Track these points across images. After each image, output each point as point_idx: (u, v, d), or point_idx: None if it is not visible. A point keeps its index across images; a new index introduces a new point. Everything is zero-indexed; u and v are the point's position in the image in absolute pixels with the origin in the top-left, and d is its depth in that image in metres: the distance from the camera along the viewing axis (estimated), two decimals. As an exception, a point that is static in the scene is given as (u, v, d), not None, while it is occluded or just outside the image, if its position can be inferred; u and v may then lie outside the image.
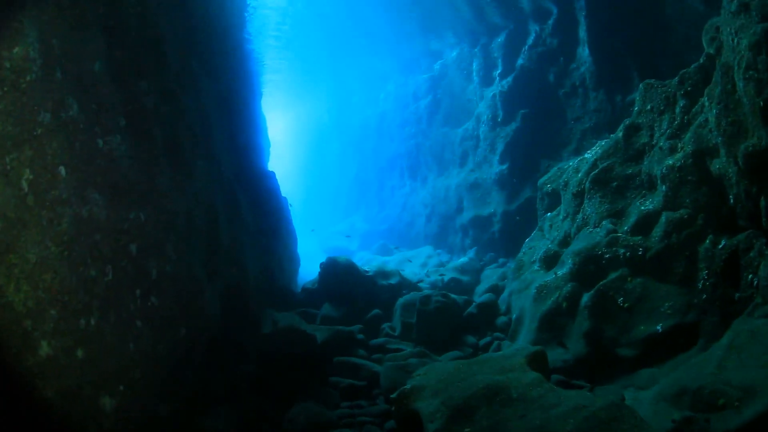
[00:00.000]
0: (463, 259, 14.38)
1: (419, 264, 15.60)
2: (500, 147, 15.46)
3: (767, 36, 6.25)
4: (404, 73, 22.44)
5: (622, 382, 7.36)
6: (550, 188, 11.39)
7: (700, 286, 7.25)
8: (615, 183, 8.48)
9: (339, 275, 11.11)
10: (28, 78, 4.46)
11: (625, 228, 7.89)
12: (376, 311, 10.39)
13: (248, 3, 16.02)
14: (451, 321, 9.30)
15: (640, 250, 7.52)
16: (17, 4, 4.52)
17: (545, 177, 11.90)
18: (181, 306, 5.44)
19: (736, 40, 7.25)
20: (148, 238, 5.03)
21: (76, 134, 4.77)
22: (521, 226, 13.67)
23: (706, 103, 7.70)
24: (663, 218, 7.47)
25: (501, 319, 9.53)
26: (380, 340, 9.19)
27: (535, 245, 10.13)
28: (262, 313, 8.64)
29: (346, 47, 21.67)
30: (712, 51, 7.95)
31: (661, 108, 8.31)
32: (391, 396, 5.23)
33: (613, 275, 7.61)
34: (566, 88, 14.18)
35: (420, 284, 12.40)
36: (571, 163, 10.76)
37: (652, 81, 8.62)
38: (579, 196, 9.21)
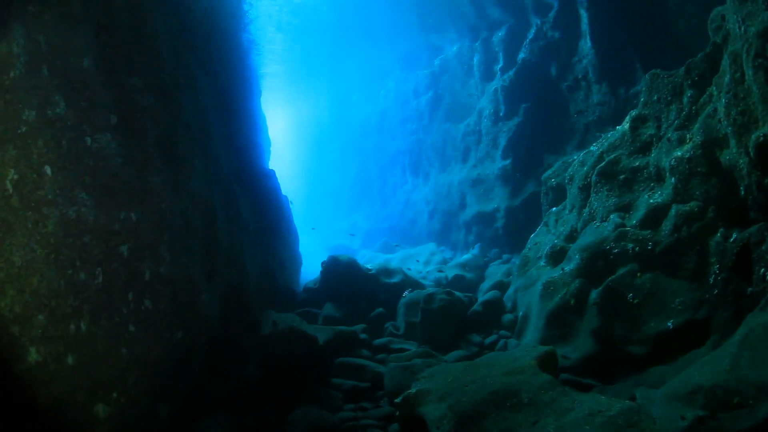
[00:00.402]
0: (467, 256, 14.19)
1: (422, 261, 15.41)
2: (503, 142, 15.26)
3: (776, 23, 6.03)
4: (404, 69, 22.23)
5: (633, 380, 7.18)
6: (554, 182, 11.18)
7: (712, 280, 7.06)
8: (622, 176, 8.26)
9: (341, 274, 10.92)
10: (11, 75, 4.29)
11: (634, 222, 7.67)
12: (379, 310, 10.20)
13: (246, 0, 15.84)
14: (455, 319, 9.11)
15: (649, 245, 7.31)
16: (2, 2, 4.36)
17: (549, 171, 11.70)
18: (177, 309, 5.27)
19: (743, 28, 7.06)
20: (141, 239, 4.86)
21: (63, 132, 4.60)
22: (525, 222, 13.49)
23: (715, 93, 7.50)
24: (673, 211, 7.26)
25: (507, 317, 9.33)
26: (384, 339, 9.00)
27: (541, 241, 9.92)
28: (262, 314, 8.46)
29: (345, 44, 21.48)
30: (718, 40, 7.76)
31: (668, 98, 8.09)
32: (396, 401, 5.04)
33: (621, 271, 7.40)
34: (569, 82, 13.98)
35: (423, 282, 12.20)
36: (575, 157, 10.55)
37: (658, 71, 8.40)
38: (585, 189, 8.99)
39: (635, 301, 7.22)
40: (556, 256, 8.84)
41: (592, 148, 9.58)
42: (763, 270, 6.61)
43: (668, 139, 7.72)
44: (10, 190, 3.96)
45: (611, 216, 8.02)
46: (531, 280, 9.05)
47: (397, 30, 19.29)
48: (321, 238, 25.33)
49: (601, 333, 7.21)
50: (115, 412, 4.76)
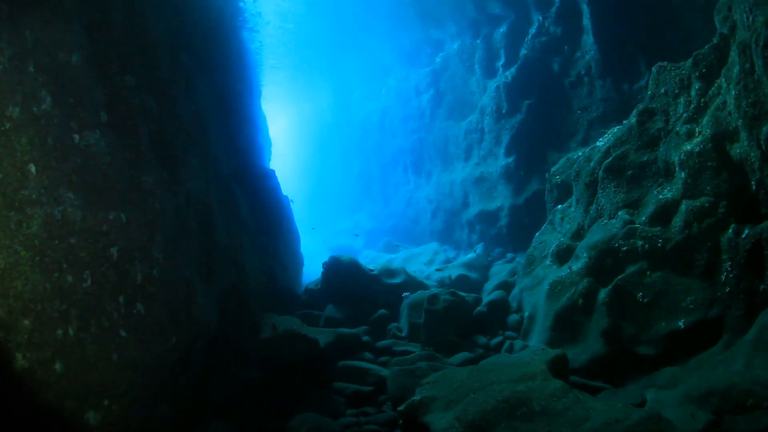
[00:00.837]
0: (471, 255, 13.98)
1: (425, 261, 15.19)
2: (506, 139, 15.03)
3: (787, 12, 5.84)
4: (405, 67, 22.03)
5: (643, 381, 6.99)
6: (559, 179, 10.96)
7: (723, 278, 6.87)
8: (630, 171, 8.03)
9: (342, 275, 10.72)
10: (-6, 69, 4.12)
11: (643, 218, 7.45)
12: (381, 311, 9.99)
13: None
14: (460, 320, 8.90)
15: (659, 242, 7.09)
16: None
17: (554, 168, 11.48)
18: (171, 312, 5.08)
19: (751, 18, 6.88)
20: (132, 241, 4.67)
21: (49, 129, 4.43)
22: (529, 220, 13.29)
23: (724, 85, 7.31)
24: (683, 207, 7.04)
25: (512, 318, 9.11)
26: (387, 342, 8.79)
27: (546, 239, 9.70)
28: (262, 316, 8.27)
29: (345, 40, 21.32)
30: (725, 31, 7.58)
31: (676, 91, 7.87)
32: (399, 408, 4.82)
33: (631, 269, 7.18)
34: (571, 78, 13.76)
35: (427, 282, 11.99)
36: (580, 153, 10.33)
37: (665, 63, 8.19)
38: (592, 186, 8.76)
39: (645, 301, 7.00)
40: (563, 255, 8.61)
41: (598, 143, 9.36)
42: (776, 267, 6.41)
43: (677, 133, 7.51)
44: (-8, 190, 3.78)
45: (619, 213, 7.80)
46: (537, 280, 8.83)
47: (397, 26, 19.12)
48: (323, 238, 25.15)
49: (611, 333, 7.00)
50: (107, 419, 4.59)
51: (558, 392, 4.00)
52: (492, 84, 15.90)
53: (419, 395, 4.44)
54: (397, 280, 11.13)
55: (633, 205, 7.77)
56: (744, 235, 6.68)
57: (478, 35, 16.82)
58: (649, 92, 8.35)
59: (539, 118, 14.47)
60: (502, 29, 15.70)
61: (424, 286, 11.18)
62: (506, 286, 10.65)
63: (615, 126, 10.15)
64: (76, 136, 4.63)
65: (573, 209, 9.40)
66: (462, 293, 9.68)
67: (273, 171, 13.75)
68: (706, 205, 6.90)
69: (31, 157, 4.14)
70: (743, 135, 6.77)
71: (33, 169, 4.14)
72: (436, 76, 19.55)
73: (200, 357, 6.19)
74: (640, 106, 8.37)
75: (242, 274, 8.41)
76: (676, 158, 7.31)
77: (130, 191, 4.88)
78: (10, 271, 3.82)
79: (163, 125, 6.49)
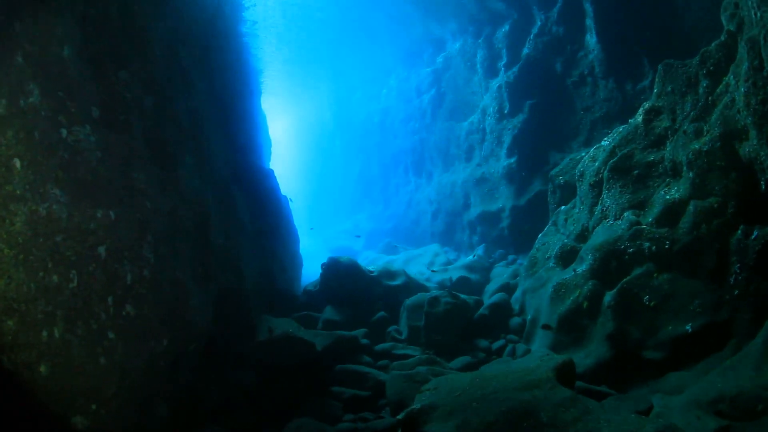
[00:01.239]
0: (472, 257, 13.80)
1: (426, 263, 15.00)
2: (507, 140, 14.86)
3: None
4: (406, 67, 21.87)
5: (649, 387, 6.83)
6: (562, 180, 10.79)
7: (732, 280, 6.69)
8: (636, 171, 7.84)
9: (341, 276, 10.54)
10: (-22, 60, 3.96)
11: (649, 219, 7.26)
12: (381, 314, 9.81)
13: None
14: (461, 323, 8.71)
15: (666, 243, 6.90)
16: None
17: (557, 169, 11.31)
18: (163, 314, 4.90)
19: (759, 14, 6.73)
20: (121, 240, 4.49)
21: (36, 123, 4.26)
22: (531, 222, 13.13)
23: (732, 82, 7.14)
24: (691, 207, 6.85)
25: (515, 320, 8.92)
26: (386, 345, 8.61)
27: (549, 241, 9.51)
28: (258, 319, 8.08)
29: (346, 40, 21.17)
30: (732, 28, 7.42)
31: (683, 89, 7.69)
32: (398, 417, 4.62)
33: (637, 271, 6.99)
34: (574, 78, 13.61)
35: (427, 284, 11.81)
36: (584, 153, 10.16)
37: (672, 61, 8.01)
38: (597, 186, 8.57)
39: (652, 304, 6.82)
40: (567, 257, 8.42)
41: (603, 142, 9.17)
42: (786, 269, 6.25)
43: (684, 132, 7.32)
44: (-27, 186, 3.61)
45: (625, 214, 7.61)
46: (540, 282, 8.64)
47: (398, 26, 18.96)
48: (323, 239, 24.98)
49: (616, 337, 6.81)
50: (95, 424, 4.42)
51: (566, 402, 3.80)
52: (494, 84, 15.74)
53: (419, 403, 4.23)
54: (397, 282, 10.95)
55: (639, 206, 7.58)
56: (753, 237, 6.50)
57: (480, 35, 16.66)
58: (656, 90, 8.17)
59: (541, 119, 14.31)
60: (504, 28, 15.55)
61: (425, 288, 11.00)
62: (508, 288, 10.47)
63: (618, 126, 9.99)
64: (64, 131, 4.46)
65: (577, 210, 9.21)
66: (463, 296, 9.49)
67: (272, 171, 13.57)
68: (715, 205, 6.72)
69: (16, 151, 3.97)
70: (752, 133, 6.59)
71: (18, 164, 3.97)
72: (438, 76, 19.39)
73: (194, 360, 6.01)
74: (647, 105, 8.19)
75: (239, 276, 8.23)
76: (684, 157, 7.13)
77: (120, 189, 4.71)
78: (-8, 270, 3.65)
79: (158, 122, 6.34)
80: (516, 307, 9.29)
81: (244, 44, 16.70)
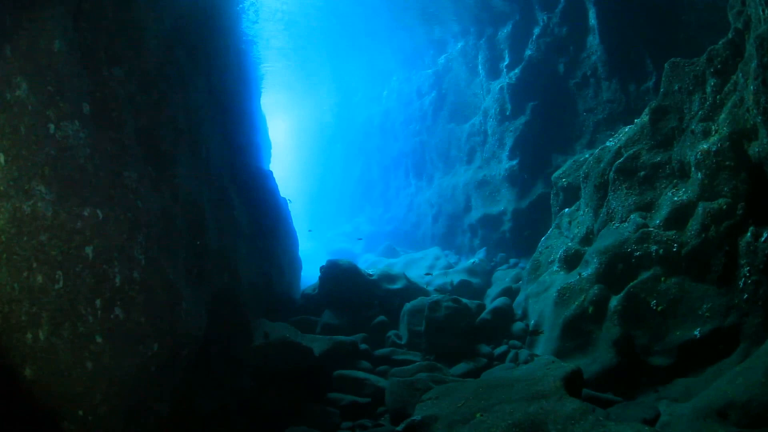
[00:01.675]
0: (473, 261, 13.62)
1: (426, 266, 14.82)
2: (509, 142, 14.70)
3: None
4: (407, 69, 21.74)
5: (656, 393, 6.65)
6: (565, 182, 10.61)
7: (741, 284, 6.53)
8: (642, 172, 7.66)
9: (340, 279, 10.35)
10: (-38, 51, 3.81)
11: (657, 222, 7.07)
12: (380, 318, 9.62)
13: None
14: (462, 328, 8.50)
15: (674, 246, 6.72)
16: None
17: (560, 171, 11.14)
18: (153, 318, 4.72)
19: (766, 12, 6.57)
20: (109, 240, 4.31)
21: (22, 117, 4.10)
22: (533, 225, 12.97)
23: (741, 80, 6.98)
24: (699, 209, 6.67)
25: (517, 325, 8.72)
26: (386, 350, 8.42)
27: (553, 244, 9.32)
28: (253, 323, 7.89)
29: (347, 41, 21.03)
30: (739, 25, 7.29)
31: (690, 88, 7.53)
32: (397, 429, 4.41)
33: (644, 275, 6.80)
34: (577, 79, 13.48)
35: (427, 288, 11.62)
36: (588, 155, 9.99)
37: (678, 59, 7.86)
38: (602, 188, 8.39)
39: (659, 308, 6.63)
40: (571, 260, 8.23)
41: (608, 143, 8.99)
42: (797, 272, 6.08)
43: (692, 132, 7.15)
44: (-48, 181, 3.45)
45: (631, 216, 7.42)
46: (543, 286, 8.45)
47: (399, 28, 18.83)
48: (323, 242, 24.79)
49: (622, 343, 6.63)
50: (82, 431, 4.23)
51: (576, 414, 3.60)
52: (496, 85, 15.60)
53: (419, 414, 4.02)
54: (397, 286, 10.77)
55: (646, 208, 7.40)
56: (763, 239, 6.33)
57: (482, 35, 16.53)
58: (662, 89, 8.01)
59: (544, 120, 14.16)
60: (506, 29, 15.42)
61: (425, 292, 10.82)
62: (510, 292, 10.29)
63: (622, 128, 9.84)
64: (52, 126, 4.29)
65: (581, 213, 9.03)
66: (464, 300, 9.30)
67: (271, 172, 13.40)
68: (724, 207, 6.54)
69: (1, 146, 3.82)
70: (762, 132, 6.42)
71: (2, 159, 3.82)
72: (439, 77, 19.26)
73: (187, 365, 5.82)
74: (653, 104, 8.02)
75: (235, 278, 8.04)
76: (692, 158, 6.95)
77: (109, 187, 4.53)
78: (-29, 270, 3.47)
79: (153, 120, 6.17)
80: (518, 311, 9.10)
81: (244, 44, 16.57)
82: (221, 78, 11.17)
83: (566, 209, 9.88)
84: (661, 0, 11.45)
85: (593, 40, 12.95)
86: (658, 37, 11.46)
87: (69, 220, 3.98)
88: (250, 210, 10.65)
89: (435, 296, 9.38)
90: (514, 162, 14.45)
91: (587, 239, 8.33)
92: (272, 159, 19.59)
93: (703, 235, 6.58)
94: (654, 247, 6.86)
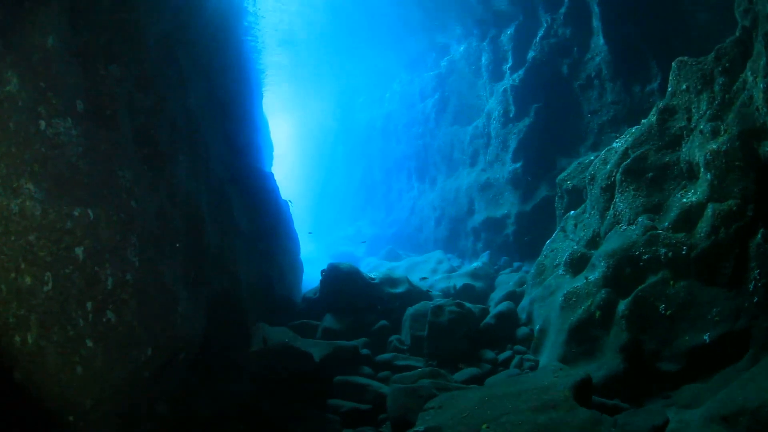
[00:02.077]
0: (476, 264, 13.44)
1: (429, 270, 14.65)
2: (513, 144, 14.55)
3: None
4: (410, 71, 21.64)
5: (664, 400, 6.47)
6: (570, 185, 10.44)
7: (751, 287, 6.38)
8: (650, 173, 7.49)
9: (341, 283, 10.19)
10: (-51, 45, 3.69)
11: (665, 224, 6.89)
12: (382, 322, 9.44)
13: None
14: (466, 333, 8.32)
15: (683, 249, 6.54)
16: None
17: (564, 173, 10.97)
18: (147, 322, 4.58)
19: (775, 8, 6.45)
20: (101, 241, 4.18)
21: (12, 113, 3.97)
22: (537, 228, 12.80)
23: (749, 78, 6.83)
24: (709, 211, 6.50)
25: (522, 330, 8.53)
26: (387, 355, 8.24)
27: (558, 247, 9.14)
28: (252, 327, 7.74)
29: (350, 44, 20.95)
30: (747, 23, 7.16)
31: (698, 87, 7.37)
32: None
33: (652, 279, 6.62)
34: (581, 80, 13.34)
35: (430, 292, 11.45)
36: (593, 157, 9.83)
37: (686, 58, 7.70)
38: (609, 190, 8.21)
39: (668, 313, 6.46)
40: (577, 264, 8.05)
41: (614, 144, 8.81)
42: (809, 275, 5.91)
43: (701, 131, 6.98)
44: (-64, 179, 3.32)
45: (639, 218, 7.25)
46: (549, 291, 8.26)
47: (402, 29, 18.73)
48: (325, 245, 24.64)
49: (630, 349, 6.45)
50: (73, 438, 4.09)
51: (587, 425, 3.42)
52: (499, 87, 15.47)
53: (422, 425, 3.83)
54: (399, 290, 10.61)
55: (654, 210, 7.22)
56: (774, 241, 6.17)
57: (485, 37, 16.42)
58: (670, 89, 7.84)
59: (548, 122, 14.01)
60: (510, 31, 15.30)
61: (428, 296, 10.65)
62: (514, 296, 10.12)
63: (628, 129, 9.67)
64: (43, 123, 4.16)
65: (587, 215, 8.85)
66: (468, 304, 9.13)
67: (272, 174, 13.28)
68: (734, 208, 6.37)
69: (-13, 143, 3.68)
70: (772, 132, 6.28)
71: (-12, 156, 3.68)
72: (442, 80, 19.14)
73: (183, 369, 5.68)
74: (661, 104, 7.86)
75: (234, 281, 7.90)
76: (701, 158, 6.78)
77: (102, 186, 4.40)
78: (-44, 271, 3.34)
79: (150, 119, 6.05)
80: (523, 316, 8.91)
81: (245, 46, 16.49)
82: (222, 79, 11.06)
83: (571, 212, 9.71)
84: (665, 1, 11.31)
85: (597, 42, 12.82)
86: (662, 38, 11.33)
87: (58, 220, 3.85)
88: (250, 212, 10.52)
89: (438, 300, 9.22)
90: (518, 164, 14.30)
91: (593, 242, 8.15)
92: (274, 161, 19.49)
93: (713, 238, 6.40)
94: (663, 250, 6.69)
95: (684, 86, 7.52)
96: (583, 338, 6.87)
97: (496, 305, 9.79)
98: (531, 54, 14.45)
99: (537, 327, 7.98)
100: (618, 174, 7.88)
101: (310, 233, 20.12)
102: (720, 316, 6.44)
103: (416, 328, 8.67)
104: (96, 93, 5.16)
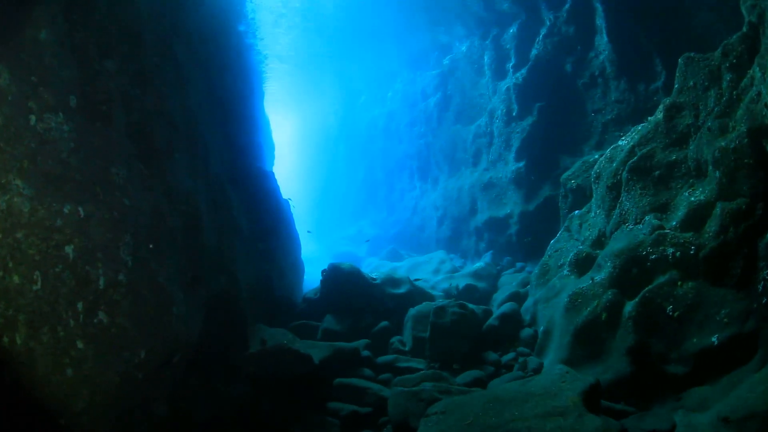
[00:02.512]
0: (479, 264, 13.30)
1: (431, 270, 14.50)
2: (516, 143, 14.40)
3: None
4: (412, 70, 21.49)
5: (670, 403, 6.32)
6: (574, 184, 10.29)
7: (760, 288, 6.21)
8: (657, 172, 7.33)
9: (342, 283, 10.05)
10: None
11: (673, 223, 6.74)
12: (384, 324, 9.29)
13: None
14: (469, 335, 8.16)
15: (691, 249, 6.39)
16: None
17: (569, 172, 10.81)
18: (141, 323, 4.45)
19: (781, 4, 6.32)
20: (92, 239, 4.05)
21: (1, 107, 3.85)
22: (541, 228, 12.65)
23: (758, 75, 6.68)
24: (718, 210, 6.34)
25: (526, 332, 8.37)
26: (389, 357, 8.09)
27: (563, 247, 8.98)
28: (252, 328, 7.60)
29: (352, 44, 20.84)
30: (753, 19, 7.01)
31: (706, 84, 7.21)
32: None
33: (660, 279, 6.46)
34: (585, 79, 13.18)
35: (432, 292, 11.30)
36: (597, 156, 9.67)
37: (692, 54, 7.55)
38: (615, 188, 8.05)
39: (675, 314, 6.30)
40: (582, 264, 7.90)
41: (620, 142, 8.65)
42: (819, 276, 5.76)
43: (708, 129, 6.83)
44: None
45: (646, 217, 7.09)
46: (553, 291, 8.10)
47: (404, 28, 18.62)
48: (326, 245, 24.51)
49: (637, 351, 6.30)
50: (64, 443, 3.97)
51: (598, 433, 3.27)
52: (502, 86, 15.31)
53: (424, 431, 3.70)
54: (401, 290, 10.46)
55: (661, 209, 7.07)
56: (783, 241, 6.02)
57: (488, 36, 16.27)
58: (677, 85, 7.69)
59: (551, 121, 13.85)
60: (512, 29, 15.15)
61: (430, 297, 10.50)
62: (518, 297, 9.96)
63: (632, 127, 9.52)
64: (33, 118, 4.04)
65: (592, 215, 8.69)
66: (471, 305, 8.98)
67: (272, 173, 13.15)
68: (743, 207, 6.21)
69: (-26, 138, 3.57)
70: (782, 129, 6.12)
71: (-25, 151, 3.56)
72: (444, 78, 18.99)
73: (179, 371, 5.55)
74: (667, 101, 7.70)
75: (233, 281, 7.76)
76: (709, 156, 6.63)
77: (94, 183, 4.28)
78: (-61, 270, 3.22)
79: (146, 116, 5.94)
80: (527, 317, 8.76)
81: (246, 45, 16.38)
82: (222, 77, 10.95)
83: (576, 211, 9.55)
84: (669, -1, 11.18)
85: (601, 40, 12.66)
86: (666, 36, 11.17)
87: (48, 217, 3.72)
88: (250, 211, 10.39)
89: (440, 301, 9.07)
90: (521, 164, 14.15)
91: (599, 242, 7.99)
92: (275, 161, 19.38)
93: (722, 237, 6.25)
94: (670, 250, 6.53)
95: (691, 83, 7.37)
96: (588, 340, 6.72)
97: (499, 306, 9.63)
98: (534, 52, 14.31)
99: (541, 328, 7.83)
100: (624, 172, 7.72)
101: (309, 232, 19.96)
102: (728, 317, 6.29)
103: (418, 329, 8.52)
104: (90, 89, 5.04)
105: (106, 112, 5.11)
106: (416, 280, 11.84)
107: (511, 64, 15.13)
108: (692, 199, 6.68)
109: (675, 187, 7.09)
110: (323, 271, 10.56)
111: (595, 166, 8.92)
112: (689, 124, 7.27)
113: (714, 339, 6.24)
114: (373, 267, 16.59)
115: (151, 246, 4.90)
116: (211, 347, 6.81)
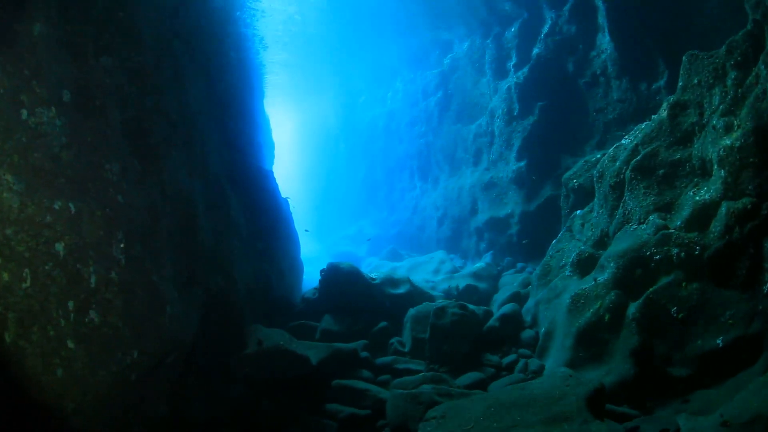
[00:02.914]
0: (479, 265, 13.19)
1: (431, 270, 14.39)
2: (517, 143, 14.29)
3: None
4: (413, 69, 21.38)
5: (674, 406, 6.22)
6: (576, 183, 10.18)
7: (765, 290, 6.14)
8: (661, 170, 7.22)
9: (341, 283, 9.94)
10: None
11: (678, 223, 6.63)
12: (383, 324, 9.18)
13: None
14: (469, 336, 8.05)
15: (696, 249, 6.28)
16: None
17: (570, 172, 10.70)
18: (133, 323, 4.35)
19: (786, 2, 6.24)
20: (83, 236, 3.95)
21: (-10, 101, 3.76)
22: (542, 228, 12.54)
23: (763, 73, 6.59)
24: (723, 209, 6.24)
25: (527, 333, 8.26)
26: (388, 358, 7.98)
27: (564, 247, 8.87)
28: (247, 329, 7.50)
29: (352, 43, 20.76)
30: (758, 16, 6.94)
31: (710, 81, 7.12)
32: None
33: (664, 280, 6.36)
34: (587, 78, 13.07)
35: (432, 292, 11.19)
36: (599, 155, 9.57)
37: (697, 51, 7.45)
38: (618, 188, 7.94)
39: (680, 316, 6.20)
40: (584, 265, 7.79)
41: (623, 141, 8.54)
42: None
43: (713, 127, 6.73)
44: None
45: (650, 217, 6.98)
46: (555, 292, 8.00)
47: (404, 27, 18.53)
48: (326, 245, 24.41)
49: (641, 353, 6.20)
50: (54, 444, 3.88)
51: (604, 441, 3.16)
52: (503, 85, 15.21)
53: (424, 437, 3.60)
54: (400, 291, 10.35)
55: (665, 209, 6.96)
56: (789, 241, 5.93)
57: (489, 35, 16.17)
58: (681, 83, 7.58)
59: (552, 121, 13.74)
60: (514, 28, 15.05)
61: (430, 297, 10.39)
62: (518, 297, 9.86)
63: (635, 126, 9.42)
64: (25, 112, 3.95)
65: (595, 214, 8.58)
66: (471, 306, 8.87)
67: (271, 172, 13.05)
68: (749, 206, 6.11)
69: (-38, 132, 3.47)
70: (788, 128, 6.03)
71: (-37, 146, 3.46)
72: (445, 78, 18.89)
73: (174, 372, 5.45)
74: (671, 99, 7.59)
75: (230, 281, 7.66)
76: (714, 154, 6.53)
77: (86, 179, 4.18)
78: (-76, 267, 3.12)
79: (141, 112, 5.85)
80: (528, 318, 8.65)
81: (246, 43, 16.29)
82: (221, 75, 10.85)
83: (578, 211, 9.44)
84: (672, -3, 11.08)
85: (603, 39, 12.55)
86: (669, 35, 11.06)
87: (37, 214, 3.62)
88: (248, 210, 10.29)
89: (440, 302, 8.96)
90: (522, 163, 14.04)
91: (602, 242, 7.89)
92: (275, 160, 19.29)
93: (727, 237, 6.15)
94: (675, 250, 6.42)
95: (695, 80, 7.26)
96: (591, 342, 6.61)
97: (499, 307, 9.53)
98: (535, 51, 14.20)
99: (542, 330, 7.73)
100: (628, 171, 7.62)
101: (306, 231, 19.82)
102: (733, 319, 6.21)
103: (418, 330, 8.42)
104: (85, 84, 4.96)
105: (100, 108, 5.02)
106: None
107: (512, 63, 15.02)
108: (697, 198, 6.58)
109: (679, 186, 6.99)
110: (322, 271, 10.46)
111: (598, 165, 8.81)
112: (693, 122, 7.17)
113: (719, 341, 6.16)
114: (373, 267, 16.49)
115: (145, 244, 4.80)
116: (207, 348, 6.71)
